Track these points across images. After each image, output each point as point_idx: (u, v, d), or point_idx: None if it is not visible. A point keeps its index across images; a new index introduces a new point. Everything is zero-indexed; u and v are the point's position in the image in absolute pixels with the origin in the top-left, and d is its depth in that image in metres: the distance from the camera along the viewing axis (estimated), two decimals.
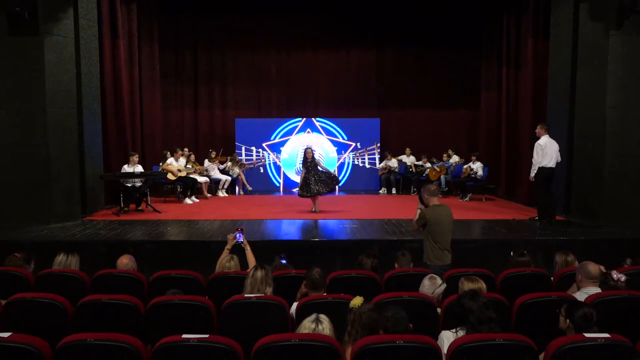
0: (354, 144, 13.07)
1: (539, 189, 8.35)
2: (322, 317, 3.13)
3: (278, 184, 13.05)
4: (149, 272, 4.63)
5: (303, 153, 9.37)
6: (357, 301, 3.28)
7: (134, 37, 11.21)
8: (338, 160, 13.07)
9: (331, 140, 13.09)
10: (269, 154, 13.03)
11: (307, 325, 3.09)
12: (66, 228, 7.87)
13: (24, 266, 4.69)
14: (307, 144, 12.63)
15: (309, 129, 13.03)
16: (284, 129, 13.05)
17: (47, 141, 8.01)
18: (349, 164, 13.17)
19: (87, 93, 8.78)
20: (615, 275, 3.97)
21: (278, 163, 13.07)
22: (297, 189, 9.33)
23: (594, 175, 8.26)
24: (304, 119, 13.04)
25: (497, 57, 12.20)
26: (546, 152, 7.99)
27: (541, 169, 8.05)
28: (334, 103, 13.38)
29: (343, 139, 13.11)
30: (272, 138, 13.08)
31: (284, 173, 13.03)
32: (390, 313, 3.07)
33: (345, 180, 12.97)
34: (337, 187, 9.38)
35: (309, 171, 9.05)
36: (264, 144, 13.04)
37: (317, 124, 13.04)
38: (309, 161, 9.11)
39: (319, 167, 9.20)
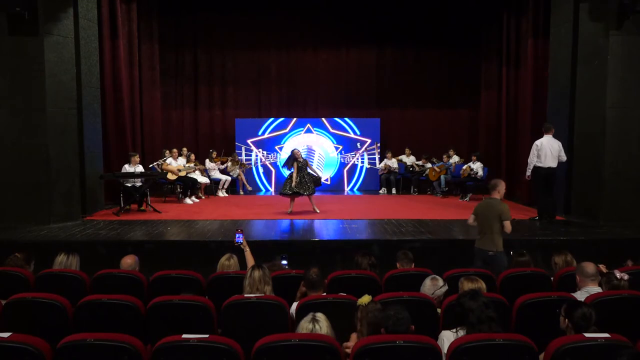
0: (369, 140, 13.01)
1: (538, 189, 8.36)
2: (319, 315, 3.14)
3: (267, 189, 12.90)
4: (149, 272, 4.63)
5: (291, 154, 9.28)
6: (365, 299, 3.33)
7: (134, 37, 11.22)
8: (347, 160, 13.07)
9: (341, 137, 13.03)
10: (255, 152, 12.88)
11: (304, 326, 3.10)
12: (66, 228, 7.88)
13: (24, 266, 4.69)
14: (306, 144, 12.72)
15: (309, 124, 13.01)
16: (270, 124, 12.95)
17: (47, 141, 8.01)
18: (362, 167, 13.09)
19: (87, 93, 8.78)
20: (618, 274, 3.98)
21: (267, 164, 12.94)
22: (288, 188, 9.11)
23: (594, 175, 8.26)
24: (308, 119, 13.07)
25: (497, 57, 12.19)
26: (541, 152, 8.02)
27: (538, 169, 8.08)
28: (334, 103, 13.38)
29: (355, 134, 13.05)
30: (259, 134, 12.97)
31: (276, 174, 12.99)
32: (392, 312, 3.07)
33: (361, 184, 13.04)
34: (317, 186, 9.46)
35: (302, 170, 9.06)
36: (248, 141, 12.86)
37: (325, 122, 13.01)
38: (300, 162, 9.11)
39: (308, 168, 9.21)
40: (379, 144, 13.00)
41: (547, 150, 8.03)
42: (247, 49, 13.12)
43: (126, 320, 3.65)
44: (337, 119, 13.06)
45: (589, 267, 4.07)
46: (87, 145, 8.77)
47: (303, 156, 9.34)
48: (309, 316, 3.14)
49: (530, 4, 10.35)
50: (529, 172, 8.27)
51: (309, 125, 13.02)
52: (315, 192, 9.21)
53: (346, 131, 13.07)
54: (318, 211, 9.14)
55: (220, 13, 12.82)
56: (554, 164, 8.07)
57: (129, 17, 11.01)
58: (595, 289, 3.96)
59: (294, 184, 9.06)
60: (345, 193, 12.73)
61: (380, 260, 4.93)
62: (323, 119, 13.04)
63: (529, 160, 8.25)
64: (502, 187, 5.63)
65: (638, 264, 5.00)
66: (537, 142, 8.13)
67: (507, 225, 5.42)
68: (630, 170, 8.01)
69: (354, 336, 3.30)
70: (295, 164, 9.09)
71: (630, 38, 7.86)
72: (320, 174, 9.67)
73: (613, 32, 7.87)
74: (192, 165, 11.09)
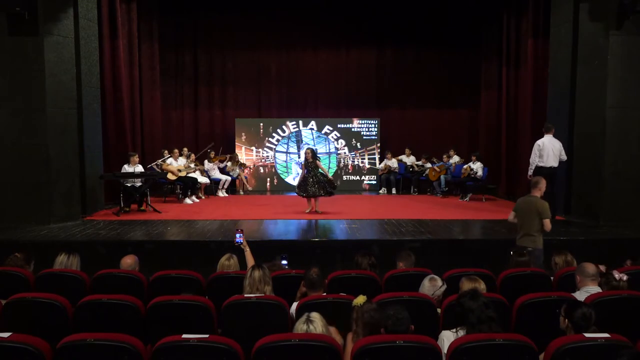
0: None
1: None
2: (313, 315, 3.13)
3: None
4: (149, 272, 4.63)
5: (304, 154, 9.36)
6: (360, 299, 3.31)
7: (134, 37, 11.22)
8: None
9: (342, 136, 13.05)
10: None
11: (299, 327, 3.10)
12: (66, 228, 7.87)
13: (24, 266, 4.68)
14: (307, 144, 12.72)
15: (312, 123, 13.03)
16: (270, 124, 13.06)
17: (47, 141, 8.01)
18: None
19: (87, 93, 8.77)
20: (617, 275, 3.98)
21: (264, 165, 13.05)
22: (296, 188, 9.35)
23: (594, 175, 8.26)
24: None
25: (497, 57, 12.19)
26: (543, 152, 8.03)
27: (540, 169, 8.08)
28: (334, 103, 13.40)
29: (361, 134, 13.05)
30: (258, 134, 13.05)
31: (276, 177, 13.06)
32: (392, 311, 3.07)
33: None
34: (333, 192, 9.22)
35: (309, 172, 9.04)
36: (243, 138, 12.93)
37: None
38: (309, 162, 9.10)
39: (319, 170, 9.14)
40: (378, 144, 13.00)
41: (549, 150, 8.05)
42: (247, 49, 13.12)
43: (126, 320, 3.65)
44: (339, 118, 13.09)
45: (590, 267, 4.07)
46: (87, 145, 8.76)
47: (314, 157, 9.26)
48: (304, 317, 3.13)
49: (530, 4, 10.34)
50: (530, 172, 8.28)
51: (312, 123, 13.04)
52: (320, 194, 9.06)
53: (349, 131, 13.08)
54: (319, 212, 9.13)
55: (220, 13, 12.81)
56: (555, 164, 8.09)
57: (129, 17, 11.01)
58: (595, 288, 3.96)
59: (297, 185, 9.10)
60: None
61: (380, 260, 4.92)
62: (330, 118, 13.10)
63: (530, 160, 8.25)
64: (543, 184, 5.73)
65: (637, 263, 5.00)
66: (539, 141, 8.15)
67: (547, 223, 5.54)
68: (630, 170, 8.01)
69: (350, 336, 3.29)
70: (303, 164, 9.14)
71: (630, 38, 7.86)
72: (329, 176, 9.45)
73: (613, 32, 7.86)
74: (192, 165, 11.08)
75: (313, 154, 9.17)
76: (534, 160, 8.16)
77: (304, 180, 9.05)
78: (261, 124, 13.05)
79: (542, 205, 5.56)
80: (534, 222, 5.55)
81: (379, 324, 3.09)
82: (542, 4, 9.89)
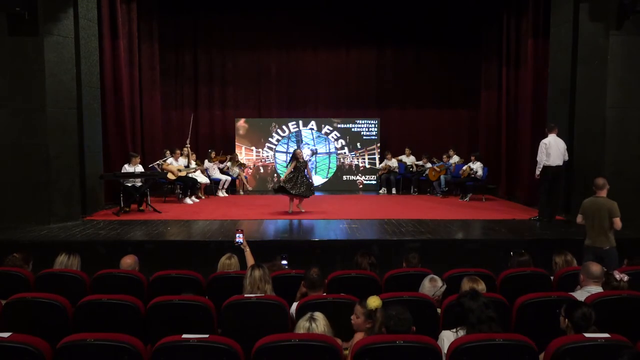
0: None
1: (545, 188, 8.34)
2: (317, 314, 3.15)
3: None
4: (149, 272, 4.63)
5: (293, 153, 9.32)
6: (376, 302, 3.23)
7: (134, 37, 11.22)
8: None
9: (342, 137, 13.06)
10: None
11: (301, 325, 3.11)
12: (66, 228, 7.87)
13: (22, 266, 4.68)
14: (307, 144, 12.74)
15: (312, 123, 13.03)
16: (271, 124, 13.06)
17: (47, 141, 8.01)
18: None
19: (87, 93, 8.77)
20: (617, 275, 3.97)
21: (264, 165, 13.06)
22: (279, 184, 9.26)
23: (594, 175, 8.20)
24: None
25: (497, 57, 12.18)
26: (550, 150, 8.04)
27: (546, 168, 8.10)
28: (334, 103, 13.40)
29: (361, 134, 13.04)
30: (259, 134, 13.05)
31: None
32: (394, 312, 3.07)
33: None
34: (308, 196, 9.21)
35: (298, 171, 9.03)
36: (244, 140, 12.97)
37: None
38: (300, 162, 9.10)
39: (306, 171, 9.12)
40: (378, 144, 13.01)
41: (555, 149, 8.08)
42: (247, 49, 13.12)
43: (126, 320, 3.65)
44: (338, 118, 13.09)
45: (595, 268, 4.05)
46: (87, 145, 8.76)
47: (305, 158, 9.26)
48: (307, 315, 3.15)
49: (530, 4, 10.33)
50: (538, 172, 8.28)
51: (312, 123, 13.04)
52: (306, 195, 9.09)
53: (349, 131, 13.07)
54: (303, 210, 9.12)
55: (220, 13, 12.82)
56: (560, 162, 8.12)
57: (129, 17, 11.01)
58: (596, 289, 3.95)
59: (282, 178, 9.13)
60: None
61: (380, 260, 4.92)
62: (332, 118, 13.10)
63: (538, 159, 8.25)
64: (607, 184, 5.96)
65: (633, 263, 5.00)
66: (545, 140, 8.16)
67: (617, 222, 5.71)
68: (630, 170, 8.00)
69: (358, 335, 3.28)
70: (293, 163, 9.11)
71: (630, 38, 7.86)
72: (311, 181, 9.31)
73: (613, 32, 7.85)
74: (193, 165, 11.08)
75: (302, 155, 9.25)
76: (542, 159, 8.16)
77: (292, 178, 8.99)
78: (261, 124, 13.03)
79: (612, 204, 5.76)
80: (606, 222, 5.71)
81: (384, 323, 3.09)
82: (542, 4, 9.88)
